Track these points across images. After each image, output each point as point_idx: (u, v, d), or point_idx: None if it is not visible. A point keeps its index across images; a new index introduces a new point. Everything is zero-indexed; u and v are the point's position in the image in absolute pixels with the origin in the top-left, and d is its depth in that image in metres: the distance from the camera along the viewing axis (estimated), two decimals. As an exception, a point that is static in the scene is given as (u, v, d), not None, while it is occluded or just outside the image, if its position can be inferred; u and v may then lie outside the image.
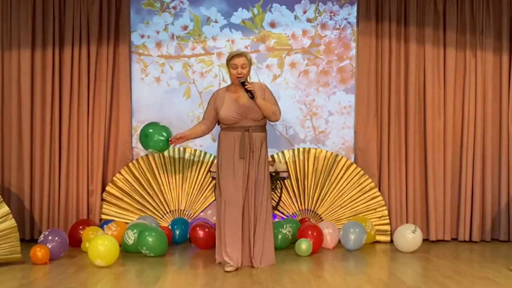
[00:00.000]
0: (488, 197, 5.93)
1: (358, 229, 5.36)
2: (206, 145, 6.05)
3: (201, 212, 5.93)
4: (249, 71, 4.72)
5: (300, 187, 5.93)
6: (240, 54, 4.67)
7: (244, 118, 4.65)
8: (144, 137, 4.83)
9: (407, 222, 5.85)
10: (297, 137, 6.09)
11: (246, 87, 4.61)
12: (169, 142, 4.80)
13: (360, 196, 5.87)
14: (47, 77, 5.78)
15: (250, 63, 4.71)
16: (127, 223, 5.66)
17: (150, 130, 4.82)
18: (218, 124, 4.83)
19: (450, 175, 5.93)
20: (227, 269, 4.52)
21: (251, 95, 4.59)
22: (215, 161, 4.85)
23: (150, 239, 4.98)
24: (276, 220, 5.79)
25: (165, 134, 4.81)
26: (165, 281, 4.22)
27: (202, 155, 5.96)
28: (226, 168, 4.66)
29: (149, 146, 4.82)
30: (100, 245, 4.59)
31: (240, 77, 4.64)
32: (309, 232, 5.28)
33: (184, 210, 5.94)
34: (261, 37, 6.05)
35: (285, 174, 5.82)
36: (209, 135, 5.65)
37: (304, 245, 5.09)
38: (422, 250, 5.40)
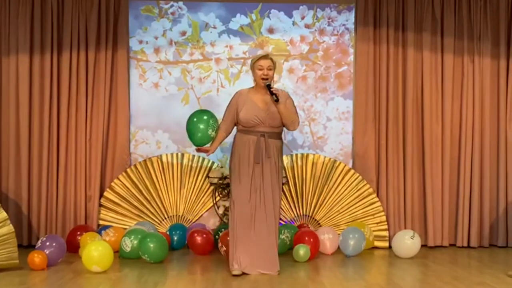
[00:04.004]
0: (486, 202, 5.93)
1: (357, 235, 5.36)
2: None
3: (202, 215, 5.94)
4: (273, 74, 4.70)
5: (298, 192, 5.93)
6: (266, 56, 4.66)
7: (262, 123, 4.61)
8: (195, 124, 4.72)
9: (405, 228, 5.85)
10: (295, 142, 6.09)
11: (271, 89, 4.57)
12: (197, 149, 4.75)
13: (358, 201, 5.87)
14: (45, 82, 5.78)
15: (275, 66, 4.70)
16: (125, 228, 5.64)
17: (202, 126, 4.69)
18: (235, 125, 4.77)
19: (448, 181, 5.94)
20: (234, 272, 4.51)
21: (276, 98, 4.54)
22: (228, 162, 4.80)
23: (152, 245, 4.96)
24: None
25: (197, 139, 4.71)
26: (163, 287, 4.21)
27: (200, 160, 5.96)
28: (240, 171, 4.61)
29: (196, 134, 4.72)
30: (94, 251, 4.57)
31: (266, 79, 4.61)
32: (306, 238, 5.27)
33: (182, 216, 5.93)
34: (259, 43, 6.06)
35: (283, 180, 5.81)
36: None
37: (302, 250, 5.08)
38: (420, 256, 5.40)
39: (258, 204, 4.59)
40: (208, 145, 4.75)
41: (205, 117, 4.75)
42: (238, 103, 4.69)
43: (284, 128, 4.81)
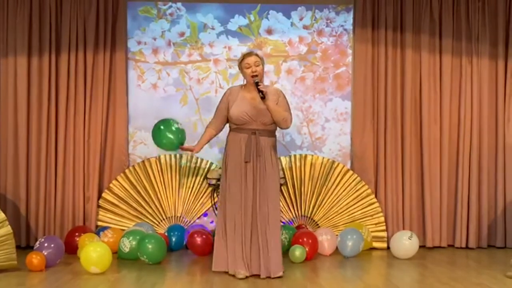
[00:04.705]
0: (485, 203, 5.94)
1: (355, 235, 5.36)
2: (203, 151, 6.02)
3: (197, 218, 5.94)
4: (263, 69, 4.67)
5: (297, 193, 5.93)
6: (250, 53, 4.67)
7: (254, 121, 4.58)
8: (157, 130, 4.92)
9: (403, 229, 5.85)
10: (294, 143, 6.10)
11: (259, 86, 4.54)
12: (180, 148, 4.76)
13: (356, 202, 5.87)
14: (44, 84, 5.77)
15: (263, 61, 4.69)
16: (123, 229, 5.64)
17: (162, 127, 4.88)
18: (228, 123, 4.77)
19: (446, 181, 5.94)
20: (239, 276, 4.46)
21: (262, 95, 4.50)
22: (222, 163, 4.77)
23: (150, 246, 4.96)
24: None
25: (175, 139, 4.90)
26: (162, 288, 4.23)
27: (199, 161, 5.96)
28: (231, 171, 4.60)
29: (159, 141, 4.94)
30: (93, 252, 4.57)
31: (255, 76, 4.58)
32: (304, 239, 5.27)
33: (180, 217, 5.93)
34: (257, 44, 6.07)
35: (281, 181, 5.82)
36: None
37: (297, 251, 5.08)
38: (418, 256, 5.40)
39: (250, 205, 4.53)
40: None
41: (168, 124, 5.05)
42: (229, 100, 4.68)
43: (283, 129, 4.81)
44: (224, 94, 4.77)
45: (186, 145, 4.81)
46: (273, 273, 4.50)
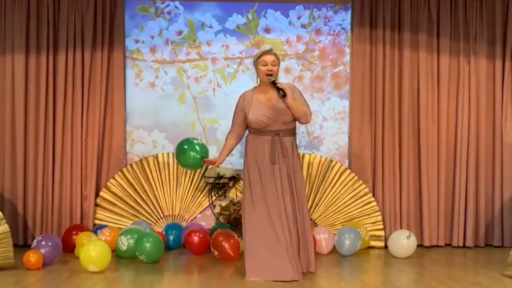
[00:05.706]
0: (482, 202, 5.95)
1: (353, 234, 5.37)
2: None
3: (198, 214, 5.93)
4: (278, 70, 4.55)
5: (295, 192, 5.93)
6: (270, 51, 4.54)
7: (274, 122, 4.47)
8: (181, 153, 4.90)
9: (401, 228, 5.86)
10: (292, 142, 6.09)
11: (277, 84, 4.43)
12: (203, 162, 4.78)
13: (354, 201, 5.88)
14: (41, 82, 5.76)
15: (279, 62, 4.58)
16: (121, 228, 5.64)
17: (185, 146, 4.89)
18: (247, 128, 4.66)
19: (444, 181, 5.95)
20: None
21: (283, 92, 4.39)
22: (243, 166, 4.60)
23: (148, 245, 4.95)
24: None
25: (198, 153, 4.86)
26: (160, 287, 4.21)
27: (196, 160, 5.95)
28: (255, 174, 4.47)
29: (183, 162, 4.92)
30: (92, 251, 4.57)
31: (270, 75, 4.47)
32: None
33: (178, 215, 5.93)
34: (255, 43, 6.06)
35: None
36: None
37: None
38: (416, 255, 5.40)
39: (279, 207, 4.40)
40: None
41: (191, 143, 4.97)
42: (244, 106, 4.54)
43: (303, 124, 4.76)
44: (238, 101, 4.61)
45: (208, 158, 4.79)
46: (312, 268, 4.54)
